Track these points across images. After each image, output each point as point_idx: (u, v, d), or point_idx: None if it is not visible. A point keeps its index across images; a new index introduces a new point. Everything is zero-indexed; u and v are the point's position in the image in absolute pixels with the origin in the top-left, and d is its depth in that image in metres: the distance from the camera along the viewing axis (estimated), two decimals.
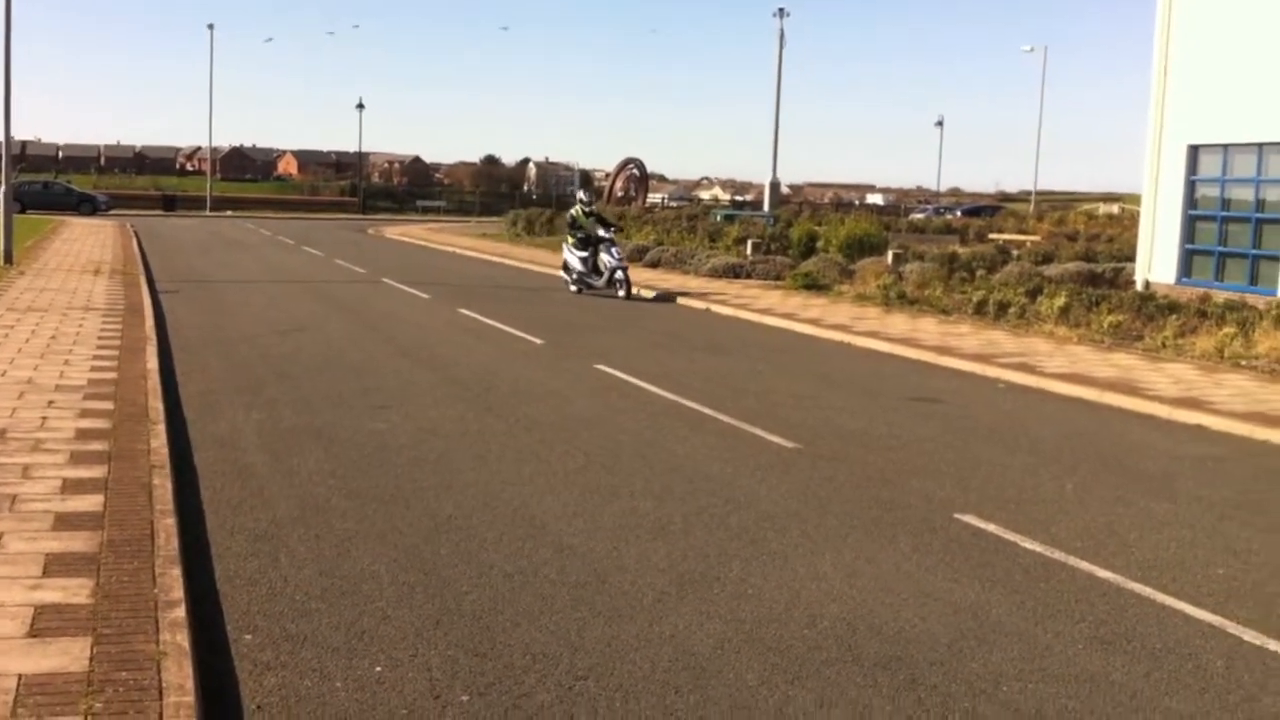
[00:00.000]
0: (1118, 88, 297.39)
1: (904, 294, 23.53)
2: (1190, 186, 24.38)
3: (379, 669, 5.50)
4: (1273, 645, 6.13)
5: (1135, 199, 27.16)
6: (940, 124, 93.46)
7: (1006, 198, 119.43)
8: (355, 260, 34.29)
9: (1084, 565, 7.35)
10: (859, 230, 34.23)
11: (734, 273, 29.52)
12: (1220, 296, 20.99)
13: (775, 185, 52.02)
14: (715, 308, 22.94)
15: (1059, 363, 16.00)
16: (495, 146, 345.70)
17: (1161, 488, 9.59)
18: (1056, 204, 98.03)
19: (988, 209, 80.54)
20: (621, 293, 24.26)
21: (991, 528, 8.12)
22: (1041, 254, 33.95)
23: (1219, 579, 7.22)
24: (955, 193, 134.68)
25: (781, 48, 50.09)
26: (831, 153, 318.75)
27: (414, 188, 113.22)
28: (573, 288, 25.31)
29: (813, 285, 26.23)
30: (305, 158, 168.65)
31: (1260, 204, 23.02)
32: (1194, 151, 24.27)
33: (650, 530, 7.82)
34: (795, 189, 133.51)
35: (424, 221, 70.25)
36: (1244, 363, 16.07)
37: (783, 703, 5.25)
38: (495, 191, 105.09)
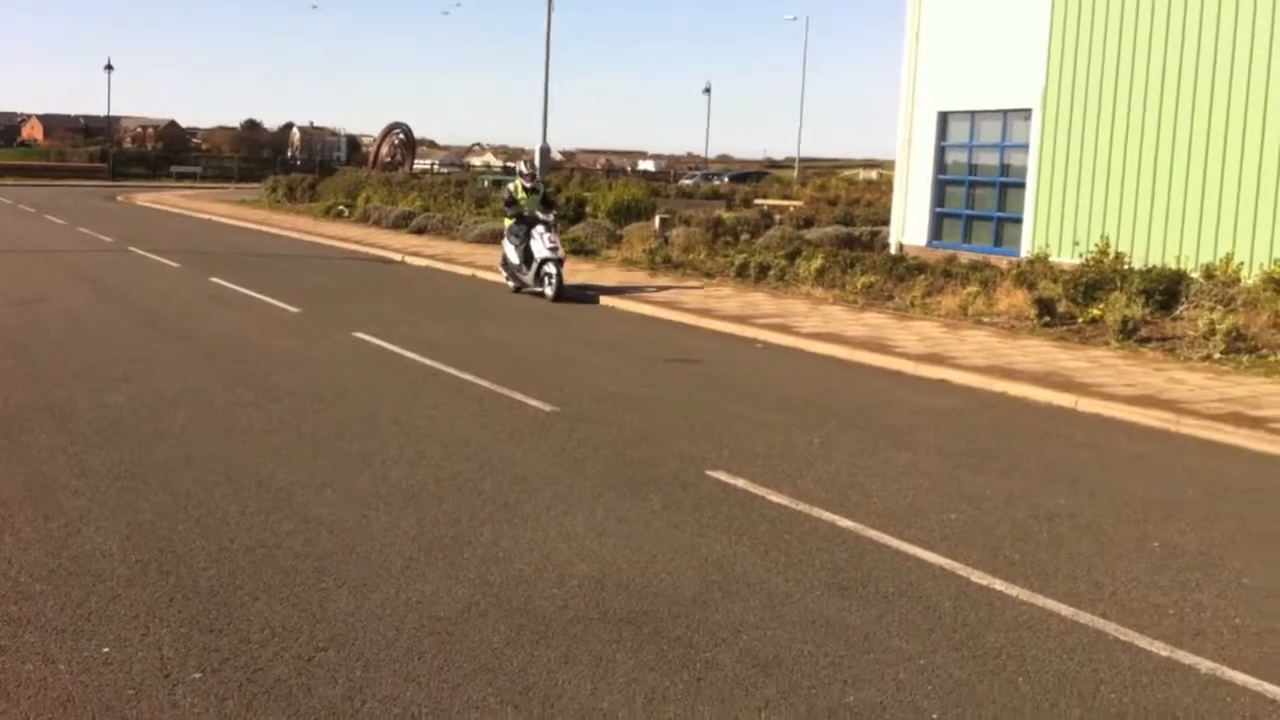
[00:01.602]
0: (877, 57, 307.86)
1: (669, 258, 23.83)
2: (940, 152, 25.39)
3: (106, 650, 5.25)
4: (999, 585, 6.44)
5: (893, 165, 28.17)
6: (708, 91, 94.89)
7: (773, 164, 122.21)
8: (102, 228, 32.70)
9: (827, 515, 7.57)
10: (627, 196, 34.56)
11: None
12: (966, 258, 21.97)
13: (546, 151, 51.72)
14: (480, 273, 22.78)
15: (814, 323, 16.48)
16: (257, 111, 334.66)
17: (904, 440, 9.97)
18: (820, 170, 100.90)
19: (754, 175, 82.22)
20: (549, 291, 19.21)
21: (741, 483, 8.29)
22: (803, 218, 34.93)
23: (951, 524, 7.55)
24: (725, 159, 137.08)
25: (550, 11, 49.81)
26: (605, 120, 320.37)
27: (169, 153, 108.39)
28: (510, 284, 20.38)
29: (580, 250, 26.26)
30: (52, 122, 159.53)
31: (1004, 169, 24.16)
32: (943, 118, 25.26)
33: (401, 498, 7.70)
34: (568, 155, 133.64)
35: (179, 188, 67.50)
36: (986, 320, 16.86)
37: (527, 662, 5.24)
38: (257, 157, 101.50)
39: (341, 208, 39.24)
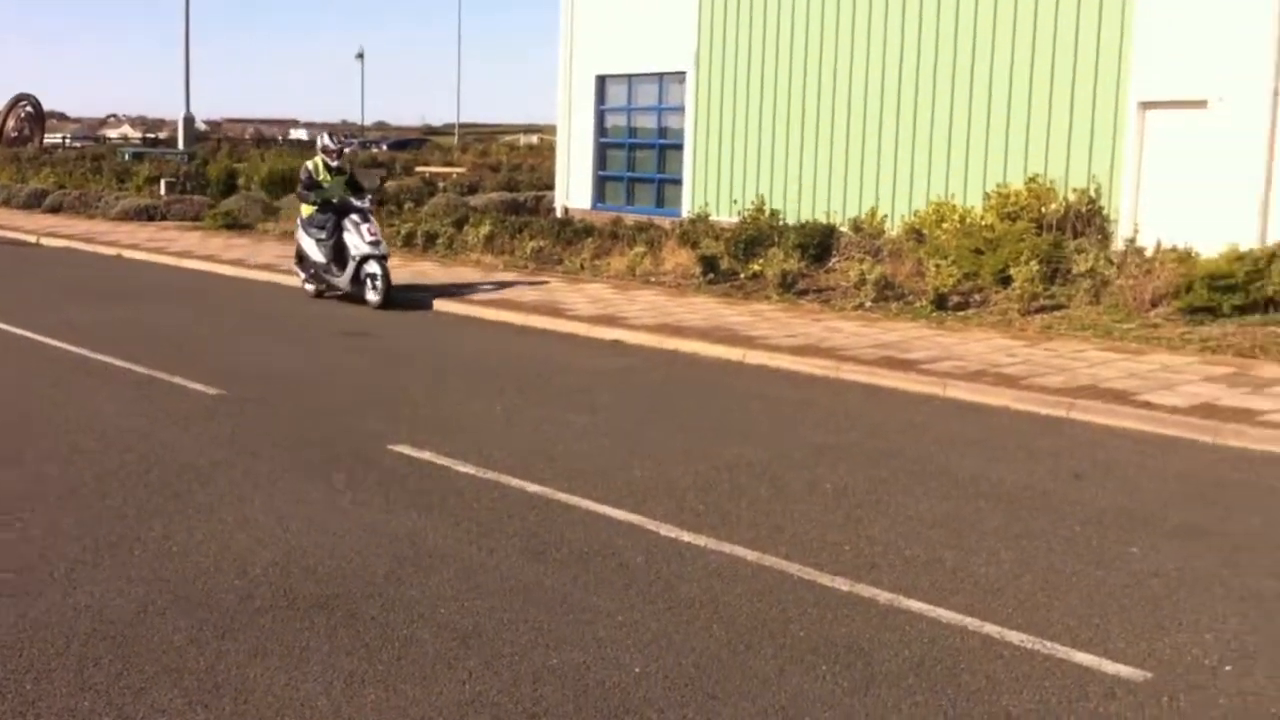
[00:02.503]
0: (535, 20, 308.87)
1: None
2: (600, 116, 25.75)
3: None
4: (686, 536, 6.58)
5: (554, 130, 28.39)
6: (361, 56, 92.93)
7: (432, 131, 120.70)
8: None
9: (515, 482, 7.54)
10: (282, 166, 33.33)
11: (147, 215, 27.83)
12: (631, 219, 22.40)
13: (190, 121, 49.40)
14: (125, 253, 21.48)
15: (487, 290, 16.39)
16: None
17: (583, 401, 10.07)
18: (481, 136, 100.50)
19: (414, 142, 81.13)
20: (374, 296, 15.35)
21: (426, 455, 8.15)
22: (467, 185, 34.83)
23: (637, 480, 7.67)
24: (382, 127, 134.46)
25: None
26: (253, 87, 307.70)
27: None
28: (309, 288, 16.43)
29: (234, 225, 25.26)
30: None
31: (663, 131, 24.75)
32: (602, 82, 25.61)
33: (58, 496, 7.14)
34: (214, 125, 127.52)
35: None
36: (654, 279, 17.25)
37: (214, 659, 4.96)
38: None
39: None
